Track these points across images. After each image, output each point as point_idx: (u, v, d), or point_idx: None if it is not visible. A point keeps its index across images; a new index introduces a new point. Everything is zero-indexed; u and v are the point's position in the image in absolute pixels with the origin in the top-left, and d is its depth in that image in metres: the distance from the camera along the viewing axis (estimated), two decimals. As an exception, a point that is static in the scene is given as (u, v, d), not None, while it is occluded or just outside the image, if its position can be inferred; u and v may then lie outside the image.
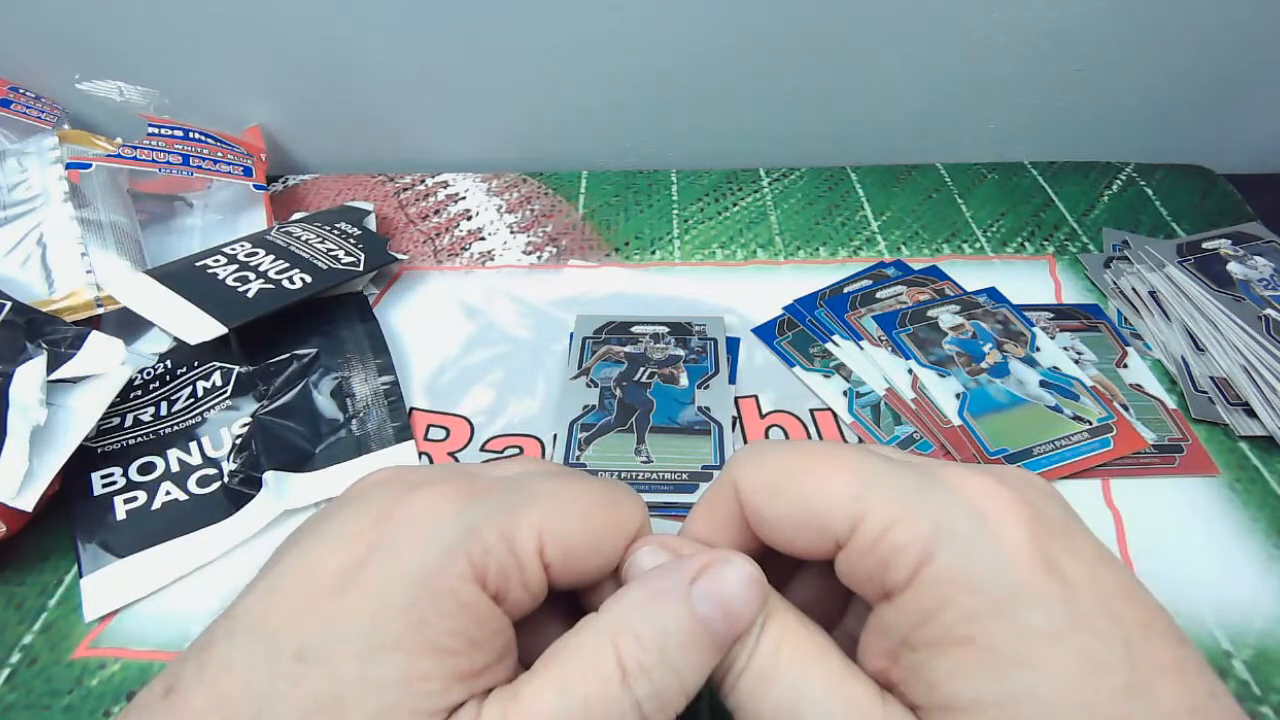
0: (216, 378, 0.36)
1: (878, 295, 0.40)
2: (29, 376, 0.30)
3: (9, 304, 0.32)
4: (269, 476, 0.31)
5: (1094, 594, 0.16)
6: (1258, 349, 0.34)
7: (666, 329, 0.39)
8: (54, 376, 0.30)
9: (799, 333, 0.39)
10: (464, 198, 0.50)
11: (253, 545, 0.31)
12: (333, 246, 0.41)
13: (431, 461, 0.34)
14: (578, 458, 0.33)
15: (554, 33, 0.46)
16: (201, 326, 0.34)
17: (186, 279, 0.37)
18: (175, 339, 0.38)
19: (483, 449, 0.35)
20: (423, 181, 0.51)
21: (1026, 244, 0.44)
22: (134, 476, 0.32)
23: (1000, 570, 0.16)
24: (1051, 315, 0.39)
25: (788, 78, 0.49)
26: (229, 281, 0.37)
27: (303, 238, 0.41)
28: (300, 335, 0.38)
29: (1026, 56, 0.47)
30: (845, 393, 0.36)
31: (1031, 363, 0.36)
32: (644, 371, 0.37)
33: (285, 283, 0.37)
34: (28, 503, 0.28)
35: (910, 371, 0.36)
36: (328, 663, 0.16)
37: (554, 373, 0.38)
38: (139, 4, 0.45)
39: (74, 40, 0.47)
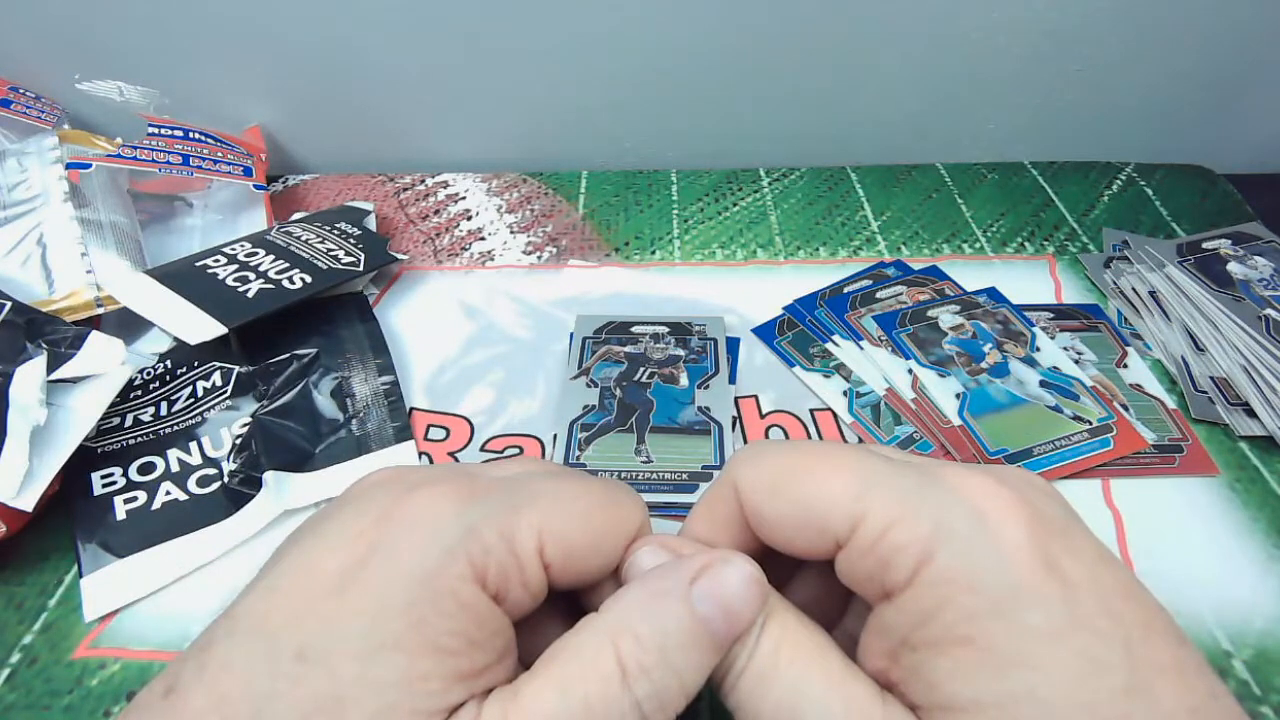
0: (216, 378, 0.36)
1: (878, 295, 0.40)
2: (29, 376, 0.30)
3: (9, 304, 0.32)
4: (269, 476, 0.31)
5: (1094, 594, 0.16)
6: (1258, 349, 0.34)
7: (666, 329, 0.39)
8: (54, 376, 0.30)
9: (799, 333, 0.39)
10: (464, 198, 0.50)
11: (253, 545, 0.31)
12: (333, 246, 0.41)
13: (431, 461, 0.34)
14: (578, 458, 0.33)
15: (554, 33, 0.46)
16: (201, 326, 0.34)
17: (186, 279, 0.37)
18: (175, 339, 0.38)
19: (483, 449, 0.35)
20: (423, 181, 0.51)
21: (1026, 244, 0.44)
22: (134, 476, 0.32)
23: (1000, 570, 0.16)
24: (1051, 315, 0.39)
25: (788, 78, 0.49)
26: (229, 281, 0.37)
27: (303, 238, 0.41)
28: (300, 335, 0.38)
29: (1026, 56, 0.47)
30: (845, 393, 0.36)
31: (1031, 363, 0.36)
32: (644, 371, 0.37)
33: (285, 283, 0.37)
34: (28, 503, 0.28)
35: (910, 371, 0.36)
36: (328, 663, 0.16)
37: (554, 373, 0.38)
38: (139, 4, 0.45)
39: (74, 40, 0.47)
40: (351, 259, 0.41)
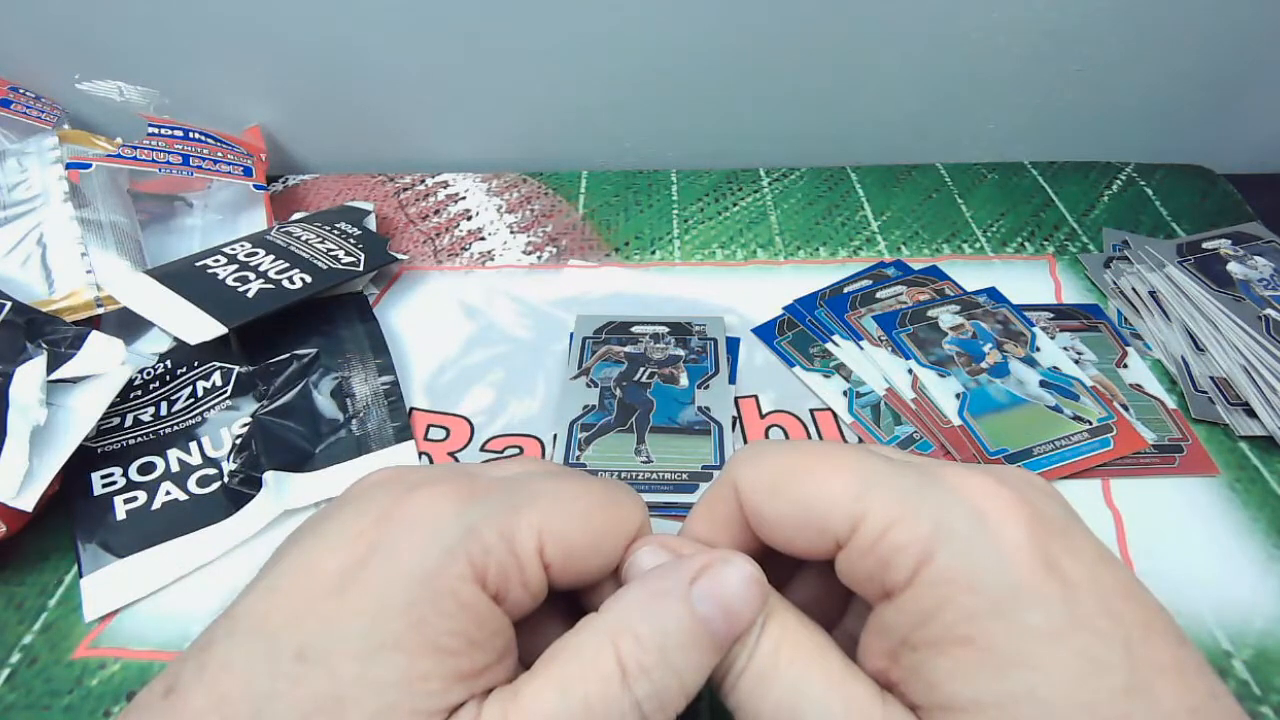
0: (216, 378, 0.36)
1: (878, 295, 0.40)
2: (29, 376, 0.30)
3: (9, 304, 0.32)
4: (269, 476, 0.31)
5: (1094, 594, 0.16)
6: (1258, 349, 0.34)
7: (666, 329, 0.39)
8: (54, 376, 0.30)
9: (799, 333, 0.39)
10: (464, 198, 0.50)
11: (253, 545, 0.31)
12: (333, 246, 0.41)
13: (431, 461, 0.34)
14: (578, 458, 0.33)
15: (554, 33, 0.46)
16: (201, 326, 0.34)
17: (186, 279, 0.37)
18: (175, 339, 0.38)
19: (483, 449, 0.35)
20: (423, 181, 0.51)
21: (1026, 244, 0.44)
22: (134, 476, 0.32)
23: (1000, 570, 0.16)
24: (1051, 315, 0.39)
25: (788, 78, 0.49)
26: (229, 281, 0.37)
27: (303, 238, 0.41)
28: (300, 335, 0.38)
29: (1026, 56, 0.47)
30: (845, 393, 0.36)
31: (1031, 363, 0.36)
32: (644, 371, 0.37)
33: (285, 283, 0.37)
34: (28, 503, 0.28)
35: (910, 371, 0.36)
36: (328, 663, 0.16)
37: (554, 373, 0.38)
38: (139, 4, 0.45)
39: (74, 40, 0.47)
40: (351, 259, 0.41)
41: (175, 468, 0.33)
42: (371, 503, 0.19)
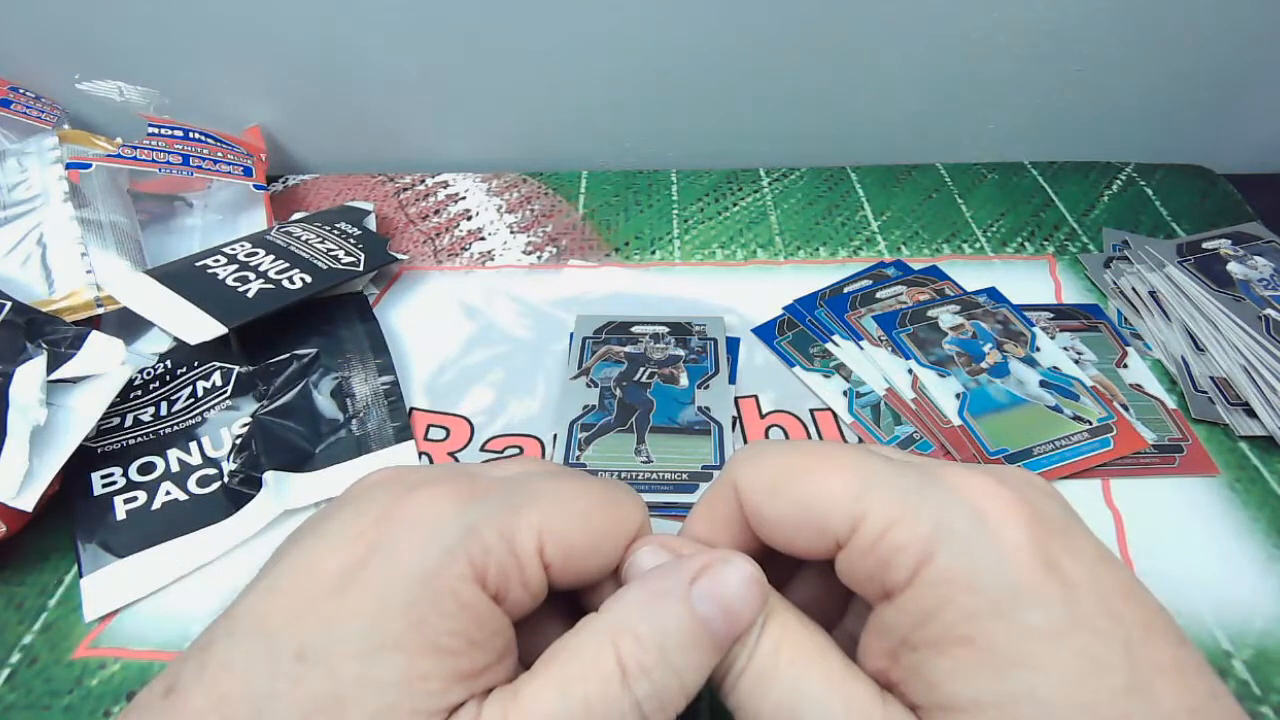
0: (216, 378, 0.36)
1: (878, 295, 0.40)
2: (29, 376, 0.30)
3: (9, 304, 0.32)
4: (269, 476, 0.31)
5: (1094, 594, 0.16)
6: (1258, 349, 0.34)
7: (666, 329, 0.39)
8: (54, 376, 0.30)
9: (799, 333, 0.39)
10: (464, 198, 0.50)
11: (253, 545, 0.31)
12: (333, 246, 0.41)
13: (431, 461, 0.34)
14: (578, 458, 0.33)
15: (554, 33, 0.46)
16: (201, 326, 0.34)
17: (186, 279, 0.37)
18: (175, 339, 0.38)
19: (483, 449, 0.35)
20: (423, 181, 0.51)
21: (1026, 244, 0.44)
22: (134, 476, 0.32)
23: (1000, 570, 0.16)
24: (1051, 315, 0.39)
25: (788, 78, 0.49)
26: (229, 281, 0.37)
27: (303, 238, 0.41)
28: (300, 335, 0.38)
29: (1026, 56, 0.47)
30: (845, 393, 0.36)
31: (1031, 363, 0.36)
32: (644, 371, 0.37)
33: (285, 283, 0.37)
34: (28, 503, 0.28)
35: (910, 371, 0.36)
36: (328, 663, 0.16)
37: (554, 373, 0.38)
38: (139, 4, 0.45)
39: (74, 40, 0.47)
40: (351, 259, 0.41)
41: (175, 468, 0.33)
42: (371, 503, 0.19)
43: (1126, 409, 0.34)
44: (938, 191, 0.49)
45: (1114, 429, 0.33)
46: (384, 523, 0.18)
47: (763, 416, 0.35)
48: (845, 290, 0.41)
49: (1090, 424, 0.33)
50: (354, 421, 0.35)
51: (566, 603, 0.21)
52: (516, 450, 0.34)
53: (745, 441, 0.35)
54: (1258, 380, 0.33)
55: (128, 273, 0.38)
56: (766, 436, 0.35)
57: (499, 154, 0.53)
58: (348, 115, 0.51)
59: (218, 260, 0.38)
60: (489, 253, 0.45)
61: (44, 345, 0.31)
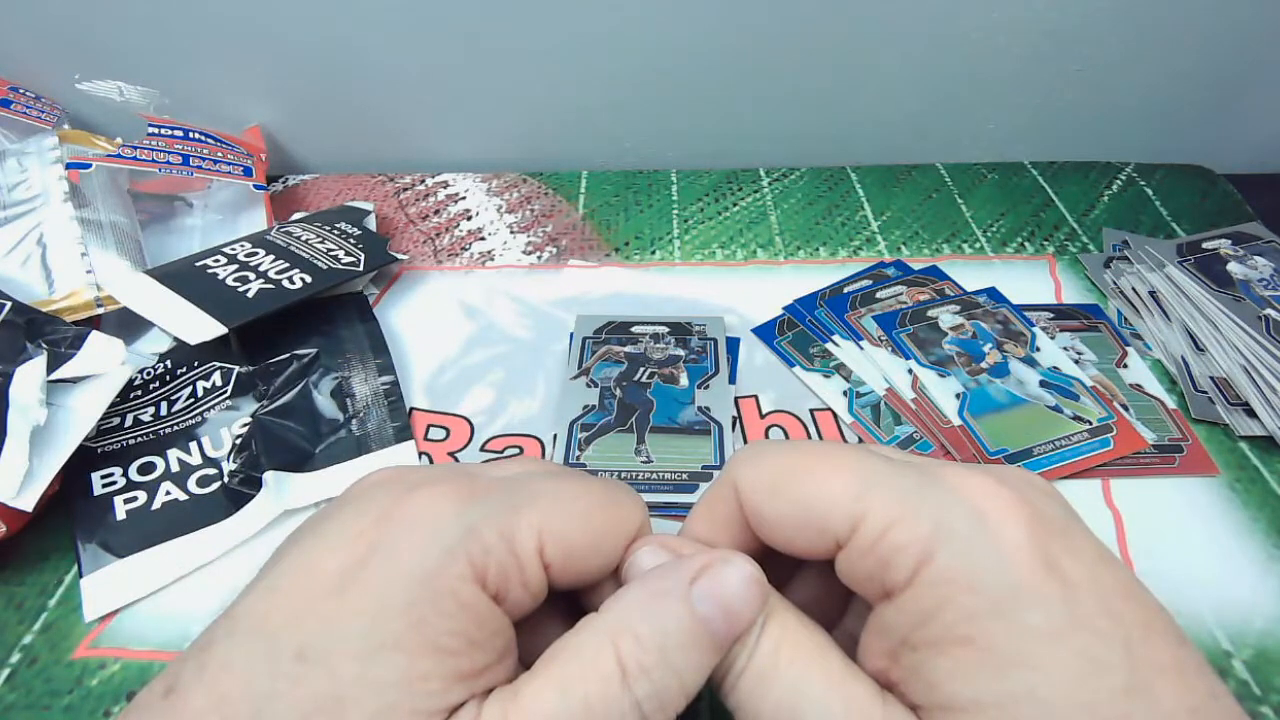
0: (216, 378, 0.36)
1: (878, 295, 0.40)
2: (29, 376, 0.30)
3: (9, 304, 0.32)
4: (269, 476, 0.31)
5: (1094, 594, 0.16)
6: (1258, 349, 0.34)
7: (666, 329, 0.39)
8: (54, 376, 0.30)
9: (799, 333, 0.39)
10: (464, 198, 0.50)
11: (253, 545, 0.31)
12: (333, 246, 0.41)
13: (431, 461, 0.34)
14: (578, 458, 0.33)
15: (554, 33, 0.46)
16: (201, 326, 0.34)
17: (186, 279, 0.37)
18: (175, 339, 0.38)
19: (483, 449, 0.35)
20: (423, 181, 0.51)
21: (1026, 244, 0.44)
22: (134, 476, 0.32)
23: (1000, 570, 0.16)
24: (1051, 315, 0.39)
25: (788, 78, 0.49)
26: (229, 281, 0.37)
27: (303, 238, 0.41)
28: (300, 335, 0.38)
29: (1026, 56, 0.47)
30: (845, 393, 0.36)
31: (1031, 363, 0.36)
32: (644, 371, 0.37)
33: (285, 283, 0.37)
34: (28, 503, 0.28)
35: (910, 371, 0.36)
36: (328, 663, 0.16)
37: (554, 373, 0.38)
38: (139, 4, 0.45)
39: (74, 40, 0.47)
40: (351, 259, 0.41)
41: (175, 468, 0.33)
42: (371, 503, 0.19)
43: (1126, 409, 0.34)
44: (938, 191, 0.49)
45: (1114, 429, 0.33)
46: (384, 523, 0.18)
47: (763, 416, 0.35)
48: (845, 290, 0.41)
49: (1090, 424, 0.33)
50: (354, 421, 0.35)
51: (566, 603, 0.21)
52: (516, 450, 0.34)
53: (745, 441, 0.35)
54: (1258, 380, 0.33)
55: (128, 273, 0.38)
56: (766, 436, 0.35)
57: (499, 154, 0.53)
58: (348, 115, 0.51)
59: (218, 260, 0.38)
60: (489, 253, 0.45)
61: (44, 345, 0.31)
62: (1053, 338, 0.37)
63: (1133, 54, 0.47)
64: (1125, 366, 0.36)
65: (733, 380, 0.37)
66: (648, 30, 0.46)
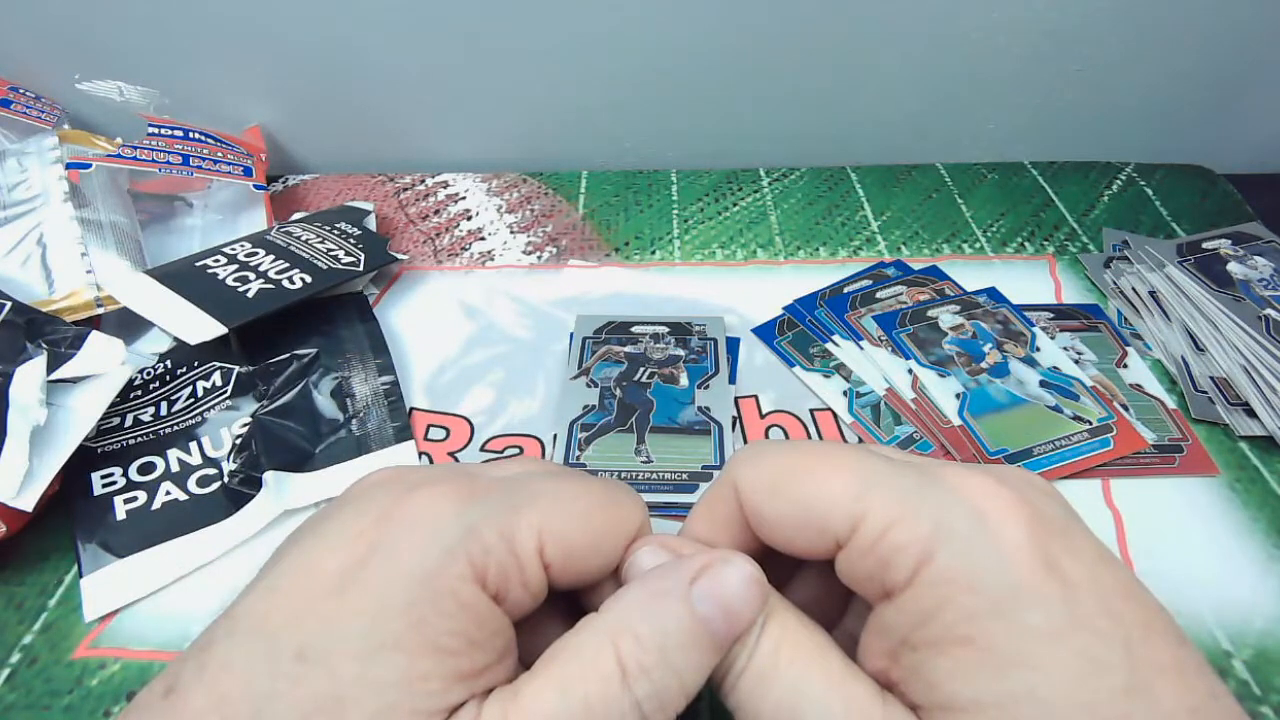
0: (216, 378, 0.36)
1: (878, 295, 0.40)
2: (29, 376, 0.30)
3: (9, 304, 0.32)
4: (269, 476, 0.31)
5: (1094, 594, 0.16)
6: (1258, 349, 0.34)
7: (666, 329, 0.39)
8: (54, 376, 0.30)
9: (799, 333, 0.39)
10: (464, 198, 0.50)
11: (253, 545, 0.31)
12: (333, 246, 0.41)
13: (431, 461, 0.34)
14: (578, 458, 0.33)
15: (554, 33, 0.46)
16: (201, 326, 0.34)
17: (186, 279, 0.37)
18: (175, 339, 0.38)
19: (483, 449, 0.35)
20: (423, 181, 0.51)
21: (1026, 244, 0.44)
22: (134, 476, 0.32)
23: (1000, 570, 0.16)
24: (1051, 315, 0.39)
25: (788, 78, 0.49)
26: (229, 281, 0.37)
27: (303, 238, 0.41)
28: (300, 335, 0.38)
29: (1026, 56, 0.47)
30: (845, 393, 0.36)
31: (1031, 363, 0.36)
32: (644, 371, 0.37)
33: (285, 283, 0.37)
34: (28, 503, 0.28)
35: (910, 371, 0.36)
36: (328, 663, 0.16)
37: (554, 373, 0.38)
38: (139, 4, 0.45)
39: (74, 40, 0.47)
40: (351, 259, 0.41)
41: (175, 468, 0.33)
42: (371, 503, 0.19)
43: (1126, 409, 0.34)
44: (938, 191, 0.49)
45: (1114, 429, 0.33)
46: (384, 523, 0.18)
47: (763, 416, 0.35)
48: (845, 290, 0.41)
49: (1090, 424, 0.33)
50: (354, 421, 0.35)
51: (566, 603, 0.21)
52: (516, 450, 0.34)
53: (745, 441, 0.35)
54: (1258, 380, 0.33)
55: (128, 273, 0.38)
56: (766, 436, 0.35)
57: (499, 154, 0.53)
58: (348, 115, 0.51)
59: (218, 260, 0.38)
60: (489, 253, 0.45)
61: (44, 345, 0.31)
62: (1053, 338, 0.37)
63: (1133, 54, 0.47)
64: (1125, 366, 0.36)
65: (733, 380, 0.37)
66: (648, 30, 0.46)
